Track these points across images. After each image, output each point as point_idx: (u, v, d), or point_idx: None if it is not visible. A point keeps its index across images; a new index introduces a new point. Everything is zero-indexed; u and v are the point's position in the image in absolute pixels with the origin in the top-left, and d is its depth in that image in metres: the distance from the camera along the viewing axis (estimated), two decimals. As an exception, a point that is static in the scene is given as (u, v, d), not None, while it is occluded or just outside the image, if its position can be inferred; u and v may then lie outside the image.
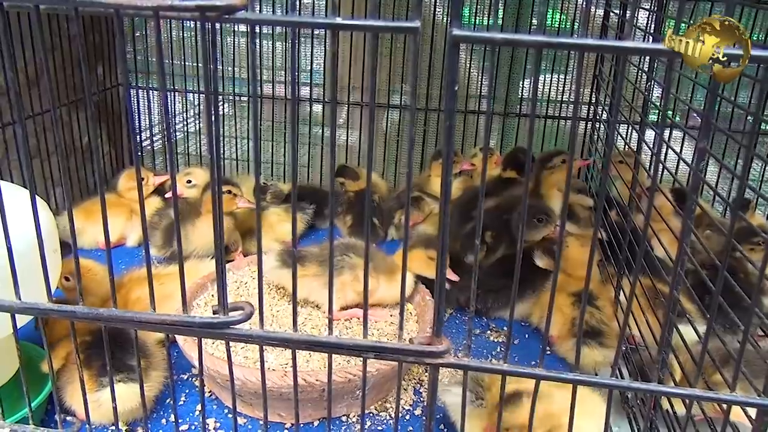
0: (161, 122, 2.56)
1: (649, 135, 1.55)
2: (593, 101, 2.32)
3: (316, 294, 1.54)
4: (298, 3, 2.37)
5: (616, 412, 1.36)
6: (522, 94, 2.46)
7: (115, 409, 0.97)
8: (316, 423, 1.33)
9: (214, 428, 1.30)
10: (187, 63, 2.46)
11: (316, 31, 2.38)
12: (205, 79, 0.69)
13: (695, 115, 2.14)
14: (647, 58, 1.59)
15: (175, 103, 2.52)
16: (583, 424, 0.92)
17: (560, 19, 2.36)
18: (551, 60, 2.39)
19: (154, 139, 2.58)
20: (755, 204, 2.07)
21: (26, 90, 1.83)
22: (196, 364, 1.33)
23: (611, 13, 2.13)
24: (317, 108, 2.51)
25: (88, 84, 0.72)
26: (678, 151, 1.31)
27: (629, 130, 1.85)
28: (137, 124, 2.48)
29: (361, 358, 0.82)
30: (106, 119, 2.38)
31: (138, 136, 2.47)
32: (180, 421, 1.30)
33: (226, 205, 1.79)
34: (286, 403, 1.28)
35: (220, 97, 2.46)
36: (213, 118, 0.70)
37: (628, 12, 1.90)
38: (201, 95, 2.56)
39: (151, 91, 2.53)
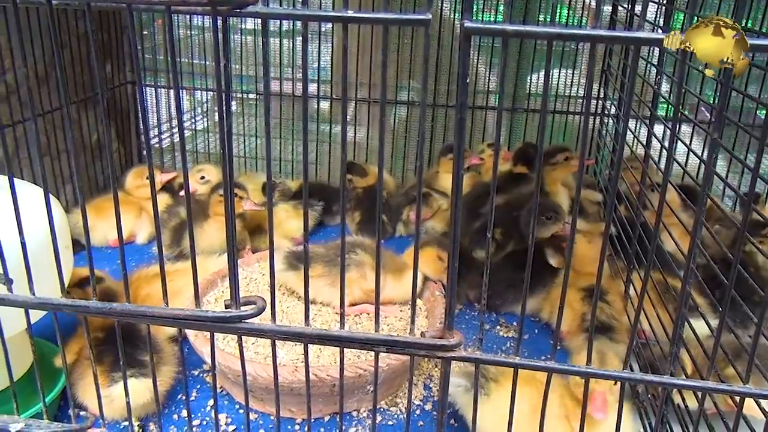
0: (169, 120, 2.57)
1: (657, 129, 1.54)
2: (601, 95, 2.31)
3: (323, 294, 1.54)
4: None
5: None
6: (530, 90, 2.45)
7: (128, 404, 0.98)
8: (327, 418, 1.33)
9: (225, 424, 1.30)
10: (194, 61, 2.47)
11: (324, 28, 2.38)
12: (216, 76, 0.69)
13: (702, 109, 2.13)
14: (656, 51, 1.58)
15: (182, 101, 2.53)
16: None
17: (567, 14, 2.36)
18: (559, 55, 2.38)
19: (162, 136, 2.59)
20: (765, 198, 2.06)
21: (36, 88, 1.84)
22: (208, 359, 1.34)
23: (619, 7, 2.12)
24: (324, 105, 2.51)
25: (102, 80, 0.73)
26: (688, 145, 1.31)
27: (638, 124, 1.84)
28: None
29: (372, 353, 0.82)
30: (114, 117, 2.39)
31: (148, 134, 2.48)
32: (192, 416, 1.31)
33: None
34: (296, 399, 1.28)
35: (228, 94, 2.46)
36: (225, 115, 0.71)
37: (637, 5, 1.89)
38: (208, 93, 2.57)
39: (158, 89, 2.55)
